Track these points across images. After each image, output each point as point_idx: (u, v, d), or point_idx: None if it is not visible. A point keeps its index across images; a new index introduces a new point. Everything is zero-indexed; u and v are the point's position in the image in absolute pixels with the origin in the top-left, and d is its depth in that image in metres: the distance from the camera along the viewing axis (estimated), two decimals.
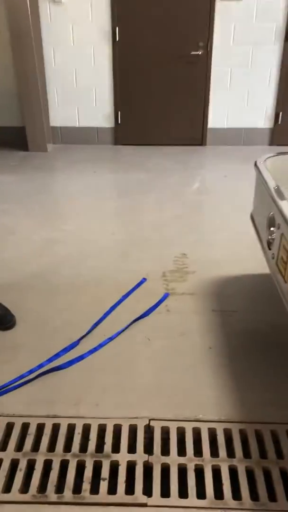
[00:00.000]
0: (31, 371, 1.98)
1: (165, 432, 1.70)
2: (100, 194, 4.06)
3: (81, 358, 2.06)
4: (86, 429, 1.71)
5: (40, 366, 2.01)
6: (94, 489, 1.50)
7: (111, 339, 2.18)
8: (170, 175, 4.45)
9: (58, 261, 2.91)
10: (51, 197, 4.05)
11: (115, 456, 1.60)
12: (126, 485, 1.51)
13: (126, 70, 4.95)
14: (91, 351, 2.10)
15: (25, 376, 1.95)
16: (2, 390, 1.88)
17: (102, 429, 1.71)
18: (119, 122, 5.17)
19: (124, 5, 4.67)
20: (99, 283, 2.67)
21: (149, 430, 1.71)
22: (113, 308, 2.42)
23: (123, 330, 2.24)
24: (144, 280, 2.67)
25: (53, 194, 4.13)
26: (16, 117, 5.06)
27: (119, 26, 4.75)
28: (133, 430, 1.71)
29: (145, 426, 1.72)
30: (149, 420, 1.75)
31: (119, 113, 5.13)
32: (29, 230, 3.32)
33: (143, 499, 1.46)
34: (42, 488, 1.50)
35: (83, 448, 1.64)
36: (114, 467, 1.57)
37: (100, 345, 2.14)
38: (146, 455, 1.61)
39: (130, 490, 1.50)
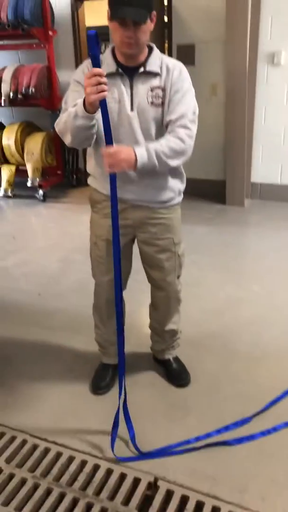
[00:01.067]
0: (198, 439, 1.91)
1: None
2: None
3: (252, 437, 1.92)
4: None
5: (208, 435, 1.93)
6: None
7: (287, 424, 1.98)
8: None
9: (240, 324, 2.81)
10: (242, 252, 4.00)
11: None
12: None
13: None
14: (264, 433, 1.94)
15: (191, 443, 1.90)
16: (167, 451, 1.85)
17: None
18: None
19: None
20: (281, 356, 2.49)
21: None
22: None
23: None
24: None
25: (244, 250, 4.08)
26: (218, 171, 5.22)
27: None
28: None
29: None
30: None
31: None
32: (215, 285, 3.31)
33: None
34: None
35: None
36: None
37: (275, 429, 1.96)
38: None
39: None
